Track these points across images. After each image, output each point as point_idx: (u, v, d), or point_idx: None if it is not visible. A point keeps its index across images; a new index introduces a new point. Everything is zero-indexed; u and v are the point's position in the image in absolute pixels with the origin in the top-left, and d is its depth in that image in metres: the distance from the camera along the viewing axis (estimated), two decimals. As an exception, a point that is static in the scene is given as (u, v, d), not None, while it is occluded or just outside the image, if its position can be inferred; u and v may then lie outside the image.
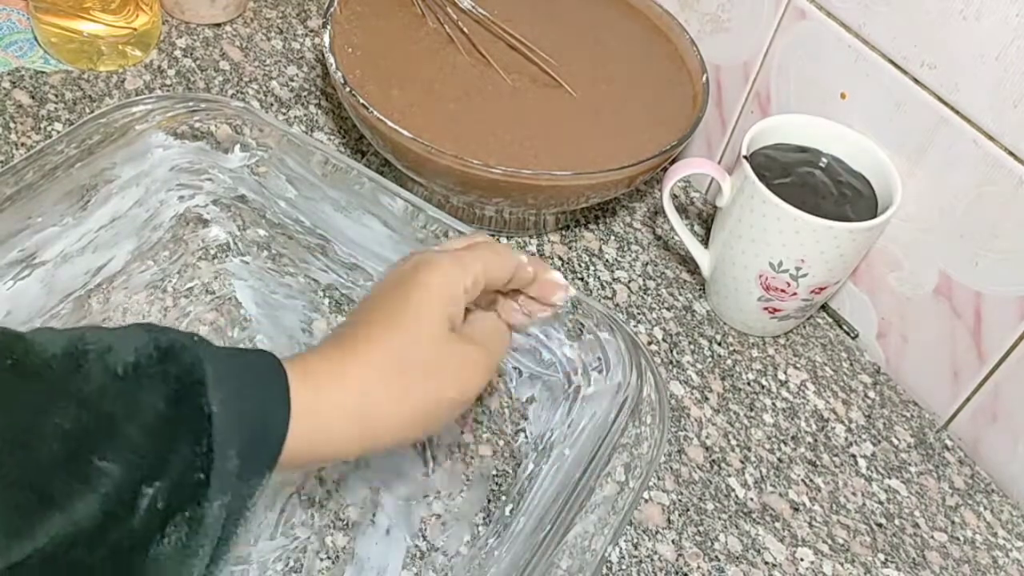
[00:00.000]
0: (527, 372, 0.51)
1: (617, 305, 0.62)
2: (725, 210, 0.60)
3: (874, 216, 0.57)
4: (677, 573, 0.51)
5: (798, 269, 0.57)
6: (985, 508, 0.57)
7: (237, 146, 0.53)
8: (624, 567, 0.50)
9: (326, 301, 0.56)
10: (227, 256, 0.57)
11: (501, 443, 0.52)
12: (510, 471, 0.51)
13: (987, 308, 0.56)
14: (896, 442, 0.59)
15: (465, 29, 0.64)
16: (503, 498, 0.51)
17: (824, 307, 0.66)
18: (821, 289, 0.59)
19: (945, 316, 0.58)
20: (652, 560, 0.51)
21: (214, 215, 0.56)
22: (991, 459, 0.59)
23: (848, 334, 0.65)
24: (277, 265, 0.56)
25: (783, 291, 0.59)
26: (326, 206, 0.53)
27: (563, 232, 0.66)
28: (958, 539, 0.55)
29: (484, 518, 0.51)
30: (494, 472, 0.52)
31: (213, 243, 0.57)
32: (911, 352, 0.62)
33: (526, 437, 0.51)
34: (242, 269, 0.57)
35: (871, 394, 0.62)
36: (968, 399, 0.59)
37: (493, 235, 0.57)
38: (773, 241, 0.56)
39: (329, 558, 0.50)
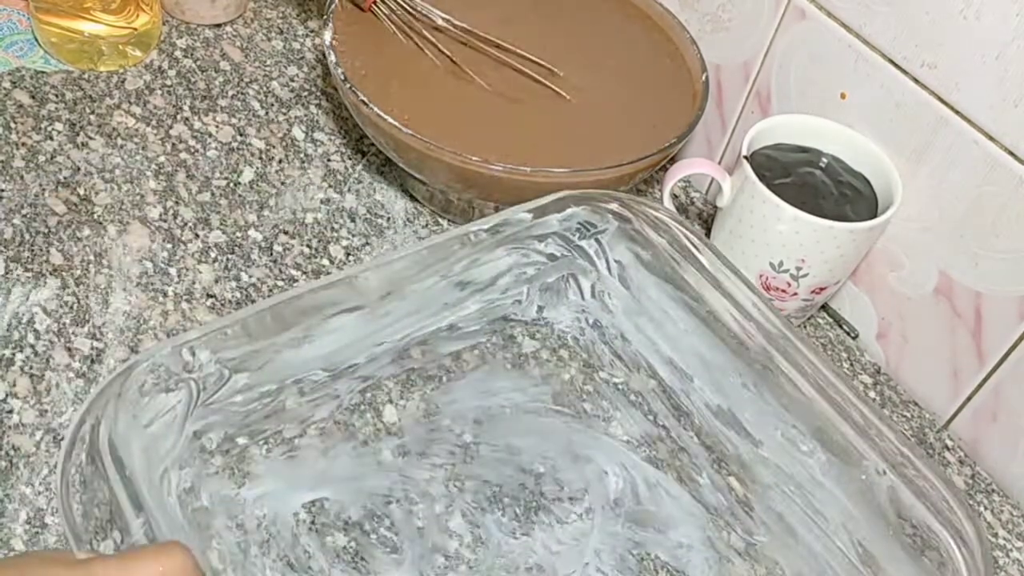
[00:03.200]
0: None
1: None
2: (725, 210, 0.60)
3: (874, 216, 0.57)
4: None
5: (798, 269, 0.57)
6: (986, 508, 0.57)
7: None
8: None
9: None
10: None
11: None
12: None
13: (987, 308, 0.56)
14: (896, 442, 0.59)
15: (458, 40, 0.64)
16: None
17: (824, 307, 0.66)
18: (821, 289, 0.59)
19: (945, 316, 0.58)
20: None
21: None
22: (991, 459, 0.59)
23: (848, 334, 0.65)
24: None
25: (783, 291, 0.59)
26: None
27: (563, 232, 0.66)
28: (958, 539, 0.55)
29: None
30: None
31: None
32: (911, 352, 0.61)
33: None
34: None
35: (871, 394, 0.62)
36: (968, 399, 0.59)
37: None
38: (773, 241, 0.56)
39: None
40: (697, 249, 0.51)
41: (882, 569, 0.45)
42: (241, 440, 0.49)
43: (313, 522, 0.48)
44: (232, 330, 0.43)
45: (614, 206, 0.52)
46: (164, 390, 0.43)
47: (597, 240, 0.54)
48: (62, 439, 0.49)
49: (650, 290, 0.53)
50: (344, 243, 0.62)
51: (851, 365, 0.63)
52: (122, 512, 0.37)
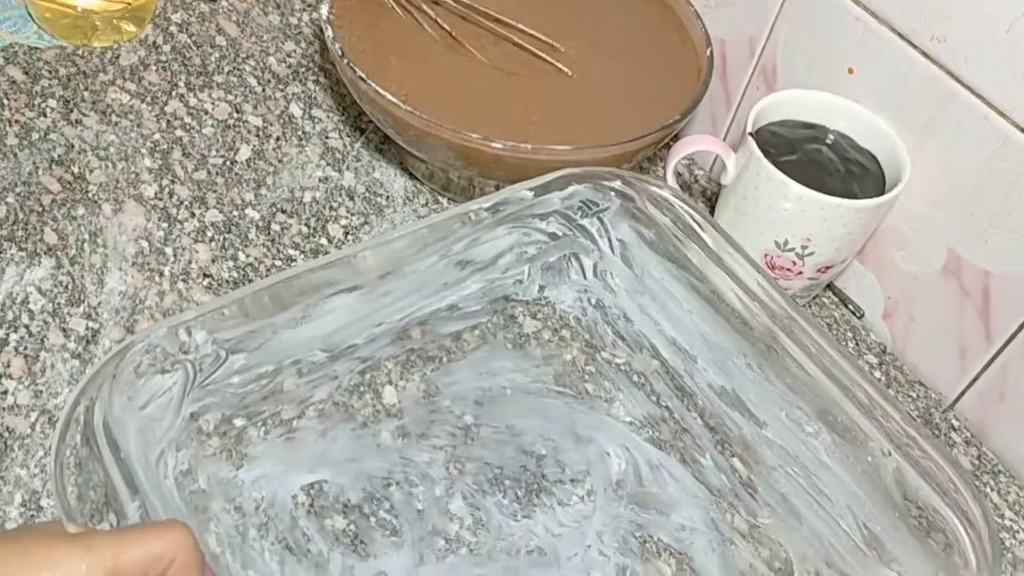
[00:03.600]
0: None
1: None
2: (730, 188, 0.59)
3: (882, 193, 0.56)
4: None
5: (804, 248, 0.56)
6: (992, 489, 0.56)
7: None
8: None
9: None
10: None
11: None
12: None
13: (996, 287, 0.55)
14: (902, 423, 0.59)
15: (457, 14, 0.62)
16: None
17: (830, 286, 0.65)
18: (827, 268, 0.58)
19: (953, 295, 0.57)
20: None
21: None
22: (998, 439, 0.58)
23: (854, 313, 0.64)
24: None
25: (789, 270, 0.58)
26: None
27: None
28: (964, 520, 0.55)
29: None
30: None
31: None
32: (918, 331, 0.61)
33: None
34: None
35: (876, 374, 0.61)
36: (975, 379, 0.58)
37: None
38: (779, 219, 0.56)
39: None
40: (701, 228, 0.50)
41: (887, 551, 0.45)
42: (239, 422, 0.48)
43: (312, 504, 0.47)
44: (229, 310, 0.43)
45: (617, 184, 0.51)
46: (160, 371, 0.42)
47: (599, 219, 0.53)
48: (57, 420, 0.49)
49: (653, 269, 0.53)
50: (343, 222, 0.61)
51: (856, 345, 0.62)
52: (117, 494, 0.36)
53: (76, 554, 0.30)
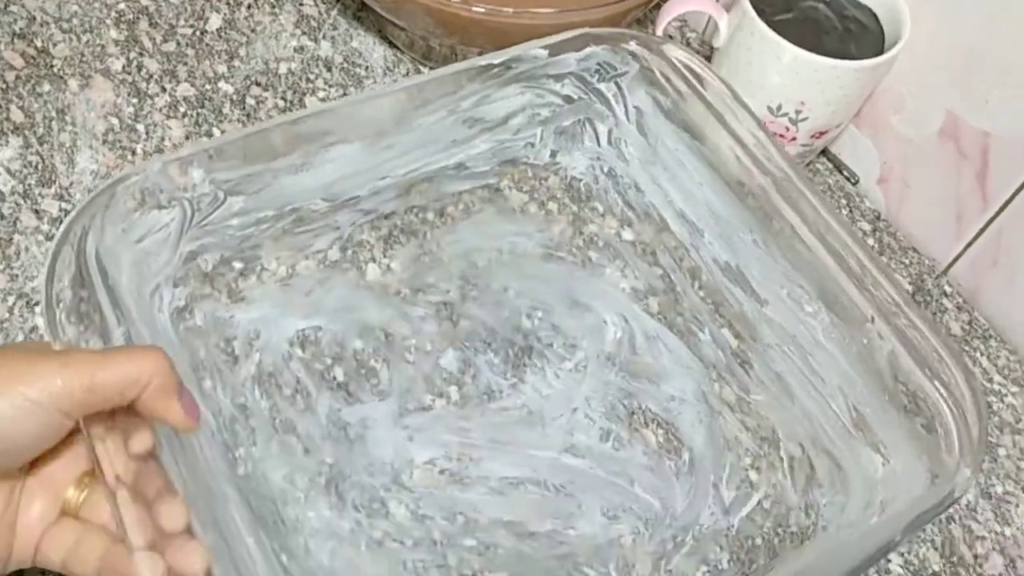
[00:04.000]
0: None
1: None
2: (722, 51, 0.56)
3: (880, 53, 0.53)
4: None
5: (798, 112, 0.54)
6: (982, 354, 0.56)
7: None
8: None
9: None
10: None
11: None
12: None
13: (995, 148, 0.54)
14: (894, 289, 0.58)
15: None
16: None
17: (824, 152, 0.63)
18: (822, 133, 0.56)
19: (950, 158, 0.56)
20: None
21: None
22: (990, 304, 0.58)
23: (848, 180, 0.62)
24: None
25: (782, 136, 0.56)
26: None
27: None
28: (953, 385, 0.55)
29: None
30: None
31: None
32: (913, 197, 0.59)
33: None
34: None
35: (870, 241, 0.60)
36: (970, 244, 0.57)
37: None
38: (772, 83, 0.54)
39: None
40: (706, 88, 0.48)
41: (874, 433, 0.45)
42: (237, 264, 0.48)
43: (304, 349, 0.47)
44: (225, 150, 0.42)
45: (633, 45, 0.49)
46: (156, 206, 0.41)
47: (616, 83, 0.51)
48: (36, 304, 0.48)
49: (667, 139, 0.51)
50: (320, 94, 0.59)
51: (850, 212, 0.61)
52: (104, 319, 0.36)
53: (53, 369, 0.31)
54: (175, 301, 0.46)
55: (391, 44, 0.62)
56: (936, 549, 0.49)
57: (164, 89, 0.57)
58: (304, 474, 0.44)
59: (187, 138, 0.55)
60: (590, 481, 0.46)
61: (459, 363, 0.48)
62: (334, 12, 0.63)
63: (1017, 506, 0.50)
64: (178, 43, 0.59)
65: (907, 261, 0.60)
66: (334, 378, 0.47)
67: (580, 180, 0.55)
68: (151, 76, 0.57)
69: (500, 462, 0.46)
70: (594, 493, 0.45)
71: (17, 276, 0.49)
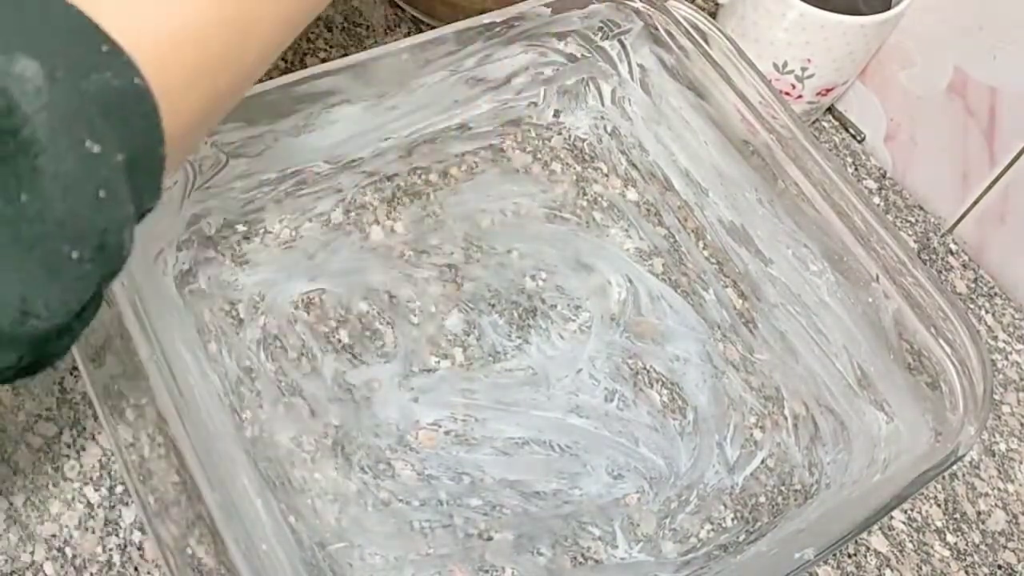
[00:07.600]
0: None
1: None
2: (727, 7, 0.56)
3: (888, 8, 0.53)
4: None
5: (804, 70, 0.54)
6: (987, 312, 0.56)
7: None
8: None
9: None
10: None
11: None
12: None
13: (1002, 105, 0.53)
14: (899, 248, 0.58)
15: None
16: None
17: (830, 109, 0.63)
18: (828, 90, 0.56)
19: (958, 115, 0.55)
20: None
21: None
22: (996, 262, 0.58)
23: (855, 137, 0.62)
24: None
25: (787, 94, 0.56)
26: None
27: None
28: (958, 343, 0.55)
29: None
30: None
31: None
32: (920, 154, 0.59)
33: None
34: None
35: (875, 199, 0.60)
36: (976, 201, 0.57)
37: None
38: (778, 40, 0.53)
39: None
40: (711, 45, 0.48)
41: (878, 391, 0.45)
42: (240, 227, 0.48)
43: (308, 311, 0.47)
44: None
45: (637, 2, 0.49)
46: None
47: (620, 42, 0.51)
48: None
49: (672, 98, 0.50)
50: (321, 55, 0.58)
51: (856, 170, 0.61)
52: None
53: None
54: (179, 265, 0.46)
55: (392, 3, 0.61)
56: (939, 506, 0.49)
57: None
58: (311, 436, 0.44)
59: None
60: (595, 441, 0.46)
61: (464, 325, 0.48)
62: (334, -29, 0.62)
63: (1021, 463, 0.51)
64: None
65: (913, 219, 0.59)
66: (339, 340, 0.47)
67: (584, 140, 0.55)
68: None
69: (505, 423, 0.46)
70: (599, 453, 0.45)
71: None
